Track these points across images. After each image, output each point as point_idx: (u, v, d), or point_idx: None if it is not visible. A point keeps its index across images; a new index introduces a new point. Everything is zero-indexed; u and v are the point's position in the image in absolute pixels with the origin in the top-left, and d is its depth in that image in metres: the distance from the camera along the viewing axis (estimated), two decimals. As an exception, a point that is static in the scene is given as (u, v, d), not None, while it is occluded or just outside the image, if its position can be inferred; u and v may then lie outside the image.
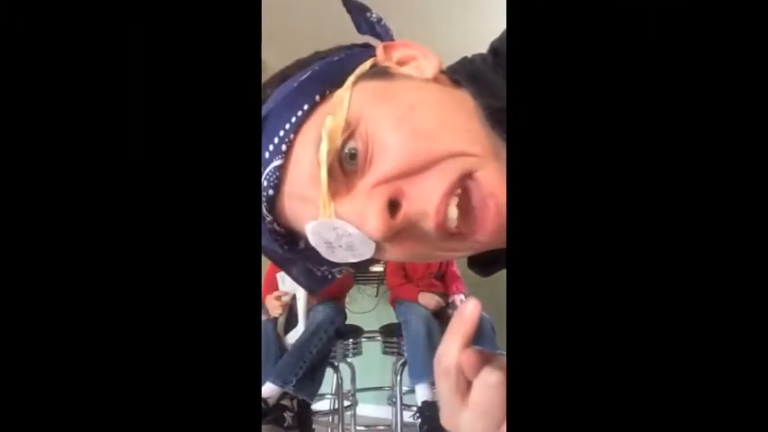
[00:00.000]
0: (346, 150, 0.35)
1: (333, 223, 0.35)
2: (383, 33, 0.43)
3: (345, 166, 0.35)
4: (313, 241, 0.37)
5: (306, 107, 0.36)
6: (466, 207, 0.35)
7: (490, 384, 0.33)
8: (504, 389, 0.32)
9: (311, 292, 0.50)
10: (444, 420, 0.35)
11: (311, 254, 0.39)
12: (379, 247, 0.36)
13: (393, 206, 0.34)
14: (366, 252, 0.36)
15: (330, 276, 0.44)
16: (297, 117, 0.36)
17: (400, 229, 0.35)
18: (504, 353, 0.32)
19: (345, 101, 0.36)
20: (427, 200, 0.34)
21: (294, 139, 0.36)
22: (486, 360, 0.34)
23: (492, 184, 0.34)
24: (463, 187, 0.34)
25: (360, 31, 0.44)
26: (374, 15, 0.43)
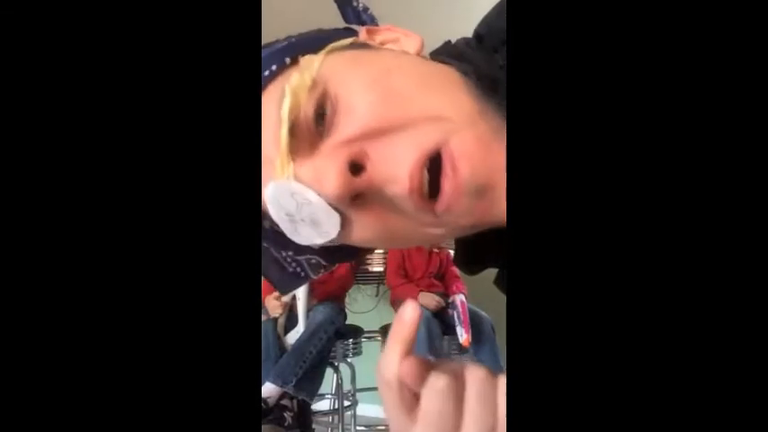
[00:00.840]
0: (313, 110, 0.33)
1: (291, 187, 0.33)
2: (369, 22, 0.43)
3: (312, 127, 0.33)
4: (274, 213, 0.34)
5: (274, 67, 0.35)
6: (432, 175, 0.32)
7: (438, 391, 0.30)
8: (453, 396, 0.30)
9: (282, 292, 0.47)
10: None
11: (277, 237, 0.37)
12: (344, 222, 0.34)
13: (356, 169, 0.32)
14: (331, 228, 0.34)
15: (303, 274, 0.42)
16: (263, 77, 0.34)
17: (363, 195, 0.32)
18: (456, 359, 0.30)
19: (315, 62, 0.34)
20: (396, 164, 0.32)
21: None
22: (431, 367, 0.31)
23: (460, 152, 0.32)
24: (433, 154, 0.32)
25: (346, 20, 0.43)
26: (360, 4, 0.43)
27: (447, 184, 0.31)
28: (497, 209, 0.33)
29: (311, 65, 0.34)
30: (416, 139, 0.32)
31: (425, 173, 0.32)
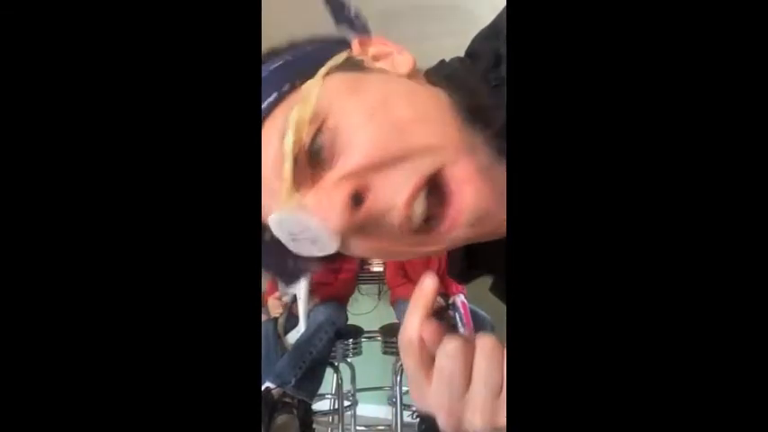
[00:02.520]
0: (313, 143, 0.34)
1: (295, 216, 0.35)
2: (360, 27, 0.44)
3: (313, 159, 0.35)
4: (276, 233, 0.37)
5: (274, 95, 0.36)
6: (434, 201, 0.35)
7: (450, 351, 0.33)
8: (463, 356, 0.33)
9: (288, 283, 0.50)
10: (413, 396, 0.36)
11: (277, 246, 0.39)
12: (344, 241, 0.36)
13: (358, 201, 0.34)
14: (330, 246, 0.36)
15: (304, 267, 0.43)
16: (264, 105, 0.36)
17: (364, 224, 0.34)
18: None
19: (314, 92, 0.35)
20: (396, 193, 0.34)
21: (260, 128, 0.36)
22: (446, 333, 0.35)
23: (460, 179, 0.34)
24: (434, 182, 0.34)
25: (337, 24, 0.44)
26: (352, 10, 0.44)
27: (450, 209, 0.34)
28: (491, 227, 0.36)
29: (310, 95, 0.35)
30: (415, 169, 0.34)
31: (423, 199, 0.34)
